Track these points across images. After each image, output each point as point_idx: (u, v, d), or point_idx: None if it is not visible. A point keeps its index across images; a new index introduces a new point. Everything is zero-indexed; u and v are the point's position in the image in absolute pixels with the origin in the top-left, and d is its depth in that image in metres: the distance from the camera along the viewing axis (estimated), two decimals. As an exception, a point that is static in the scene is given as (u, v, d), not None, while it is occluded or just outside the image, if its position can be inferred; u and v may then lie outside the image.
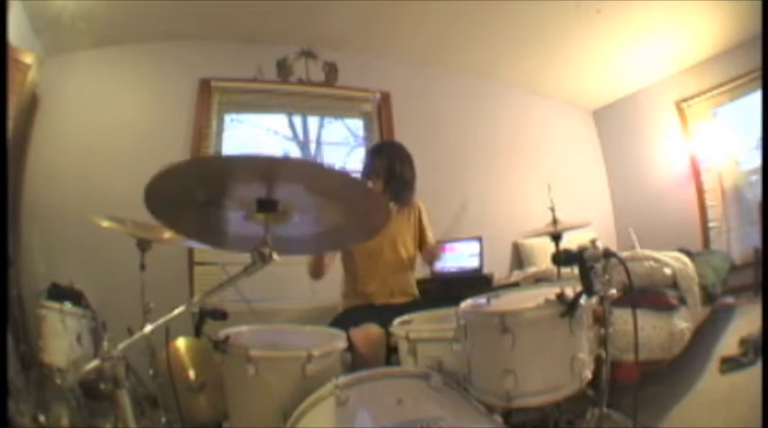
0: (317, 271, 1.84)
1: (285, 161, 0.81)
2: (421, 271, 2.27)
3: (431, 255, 2.12)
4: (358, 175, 2.10)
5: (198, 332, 1.24)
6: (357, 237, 1.33)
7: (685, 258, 2.23)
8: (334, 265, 1.92)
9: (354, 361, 1.36)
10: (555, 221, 2.25)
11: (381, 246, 1.94)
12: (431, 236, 2.10)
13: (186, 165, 0.88)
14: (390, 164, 1.97)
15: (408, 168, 2.01)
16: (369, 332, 1.56)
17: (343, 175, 0.94)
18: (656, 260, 2.04)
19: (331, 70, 3.28)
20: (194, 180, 0.86)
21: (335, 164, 3.40)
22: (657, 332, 1.84)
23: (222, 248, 1.34)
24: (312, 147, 3.40)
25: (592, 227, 2.45)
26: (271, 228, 0.90)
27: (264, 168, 0.82)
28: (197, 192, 0.87)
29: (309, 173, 0.90)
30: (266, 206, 0.88)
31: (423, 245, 2.08)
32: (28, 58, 2.33)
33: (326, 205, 0.95)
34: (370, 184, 1.85)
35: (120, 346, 0.89)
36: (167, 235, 1.71)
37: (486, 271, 2.76)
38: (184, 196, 0.88)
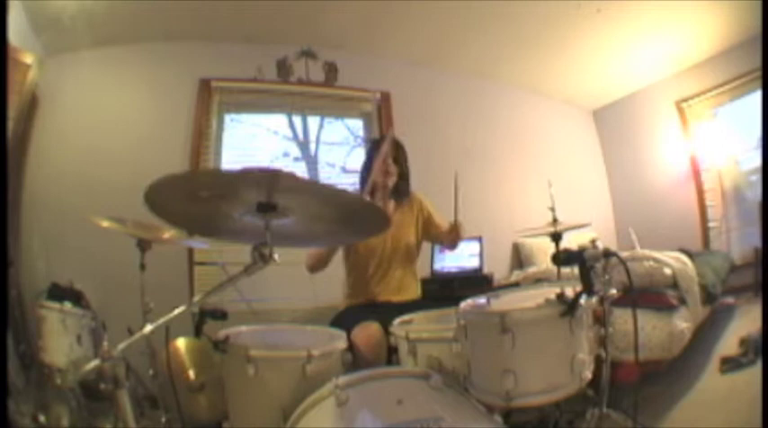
0: (316, 263, 1.82)
1: (285, 176, 0.81)
2: (421, 271, 2.26)
3: (454, 237, 1.84)
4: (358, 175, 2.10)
5: (198, 332, 1.24)
6: (355, 238, 1.34)
7: (685, 258, 2.23)
8: (335, 265, 1.92)
9: (355, 360, 1.36)
10: (555, 221, 2.25)
11: (384, 244, 1.94)
12: (444, 223, 1.99)
13: (186, 176, 0.89)
14: (401, 155, 2.00)
15: (407, 162, 2.05)
16: (370, 333, 1.55)
17: (342, 195, 0.95)
18: (656, 260, 2.04)
19: (331, 70, 3.27)
20: (195, 186, 0.87)
21: (332, 166, 3.40)
22: (657, 332, 1.84)
23: (220, 239, 1.34)
24: (312, 147, 3.40)
25: (592, 227, 2.45)
26: (271, 228, 0.90)
27: (264, 181, 0.83)
28: (197, 193, 0.87)
29: (309, 189, 0.91)
30: (266, 207, 0.89)
31: (439, 232, 1.99)
32: (28, 58, 2.33)
33: (325, 212, 0.95)
34: (367, 198, 1.84)
35: (120, 346, 0.89)
36: (167, 235, 1.72)
37: (486, 271, 2.76)
38: (184, 196, 0.89)
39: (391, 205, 2.02)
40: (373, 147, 2.08)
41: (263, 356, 1.17)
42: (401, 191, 2.03)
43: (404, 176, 2.03)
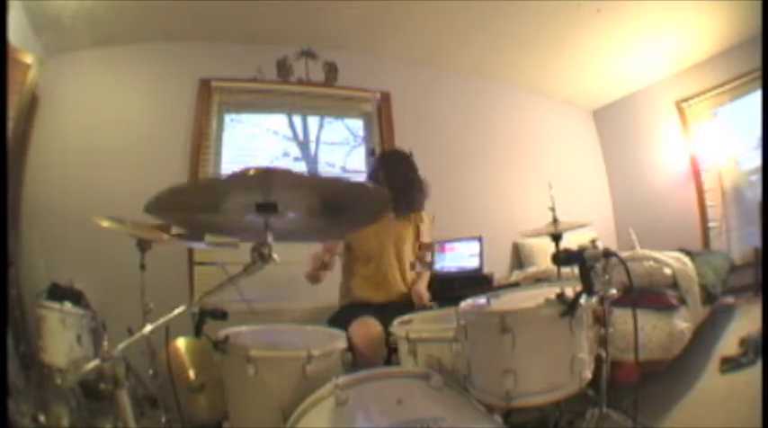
0: (314, 277, 1.84)
1: (280, 173, 0.81)
2: (421, 271, 2.27)
3: (418, 298, 1.86)
4: (357, 177, 2.10)
5: (198, 332, 1.24)
6: (357, 226, 1.40)
7: (685, 258, 2.23)
8: (335, 265, 1.92)
9: (354, 358, 1.36)
10: (555, 221, 2.24)
11: (381, 247, 1.94)
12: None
13: (184, 187, 0.90)
14: (399, 180, 1.96)
15: (418, 189, 2.00)
16: (367, 329, 1.56)
17: (340, 183, 0.96)
18: (656, 260, 2.04)
19: (331, 70, 3.28)
20: (194, 194, 0.88)
21: (332, 166, 3.40)
22: (657, 332, 1.84)
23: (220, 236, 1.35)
24: (312, 146, 3.40)
25: (592, 227, 2.44)
26: (270, 227, 0.90)
27: (260, 181, 0.83)
28: (197, 202, 0.88)
29: (307, 183, 0.92)
30: (265, 208, 0.89)
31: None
32: (28, 58, 2.33)
33: (325, 204, 0.95)
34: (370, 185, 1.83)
35: (120, 346, 0.89)
36: (167, 235, 1.71)
37: (486, 271, 2.76)
38: (185, 206, 0.89)
39: (391, 215, 2.02)
40: (373, 153, 2.09)
41: (263, 356, 1.17)
42: (402, 209, 2.00)
43: (407, 198, 2.00)
